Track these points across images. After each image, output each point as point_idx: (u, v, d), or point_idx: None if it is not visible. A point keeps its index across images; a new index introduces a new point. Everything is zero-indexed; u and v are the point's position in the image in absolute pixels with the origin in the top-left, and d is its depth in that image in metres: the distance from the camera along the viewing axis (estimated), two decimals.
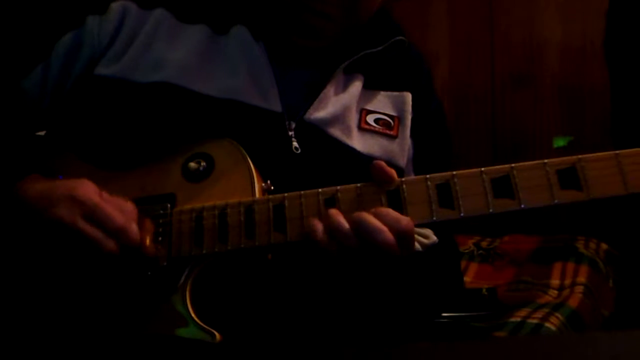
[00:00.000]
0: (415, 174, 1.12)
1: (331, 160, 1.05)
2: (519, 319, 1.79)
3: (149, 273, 0.93)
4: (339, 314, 1.05)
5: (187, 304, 0.90)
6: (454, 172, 0.89)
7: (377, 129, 1.10)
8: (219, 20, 1.08)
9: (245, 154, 0.96)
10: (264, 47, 1.06)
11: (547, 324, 1.75)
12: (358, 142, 1.08)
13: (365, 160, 1.06)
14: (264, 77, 1.05)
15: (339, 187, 0.90)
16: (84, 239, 0.89)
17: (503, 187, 0.87)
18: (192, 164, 0.97)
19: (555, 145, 2.84)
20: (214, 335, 0.89)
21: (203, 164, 0.97)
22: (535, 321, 1.77)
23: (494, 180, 0.87)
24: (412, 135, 1.14)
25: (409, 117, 1.12)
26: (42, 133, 1.13)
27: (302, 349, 0.97)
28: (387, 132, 1.10)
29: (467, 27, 3.04)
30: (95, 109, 1.04)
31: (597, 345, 0.70)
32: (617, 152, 0.85)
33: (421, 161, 1.14)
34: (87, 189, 0.91)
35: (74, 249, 0.91)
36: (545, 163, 0.87)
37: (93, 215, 0.89)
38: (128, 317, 0.92)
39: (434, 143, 1.17)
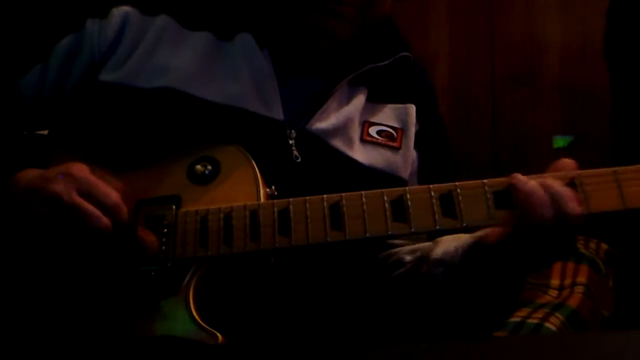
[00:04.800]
0: (419, 182, 1.14)
1: (332, 170, 1.06)
2: (519, 319, 1.79)
3: (152, 273, 0.94)
4: (340, 316, 1.05)
5: (190, 305, 0.91)
6: (457, 183, 0.90)
7: (379, 141, 1.10)
8: (224, 27, 1.08)
9: (252, 159, 0.97)
10: (269, 55, 1.06)
11: (547, 324, 1.76)
12: (360, 153, 1.08)
13: (367, 171, 1.07)
14: (267, 84, 1.05)
15: (343, 194, 0.91)
16: (80, 215, 0.90)
17: (504, 199, 0.89)
18: (198, 167, 0.98)
19: (555, 146, 2.84)
20: (216, 336, 0.89)
21: (209, 167, 0.97)
22: (535, 321, 1.77)
23: (496, 193, 0.89)
24: (417, 148, 1.14)
25: (412, 129, 1.13)
26: (44, 132, 1.14)
27: (303, 351, 0.98)
28: (390, 143, 1.11)
29: (467, 27, 3.04)
30: (99, 114, 1.05)
31: (597, 345, 0.70)
32: (615, 168, 0.88)
33: (426, 174, 1.15)
34: (82, 167, 0.93)
35: (70, 227, 0.92)
36: (544, 176, 0.89)
37: (90, 191, 0.91)
38: (130, 317, 0.92)
39: (439, 156, 1.18)
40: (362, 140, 1.09)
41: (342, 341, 1.04)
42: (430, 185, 0.90)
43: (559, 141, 2.84)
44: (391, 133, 1.11)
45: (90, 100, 1.06)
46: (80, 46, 1.06)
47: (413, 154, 1.13)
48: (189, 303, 0.91)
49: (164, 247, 0.94)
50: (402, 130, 1.12)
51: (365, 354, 0.75)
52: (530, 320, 1.78)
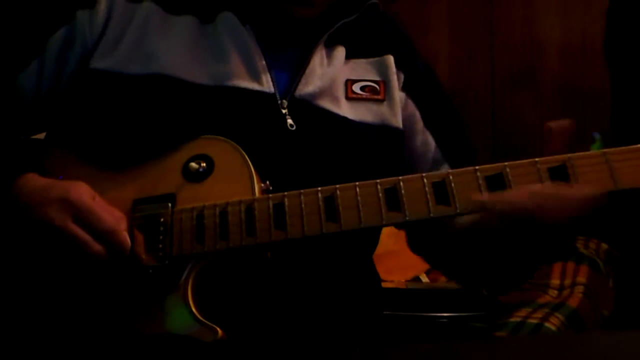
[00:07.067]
0: (432, 133, 1.18)
1: (325, 132, 1.07)
2: (519, 319, 1.79)
3: (151, 271, 0.94)
4: (338, 311, 1.05)
5: (188, 301, 0.91)
6: (449, 170, 0.91)
7: (364, 96, 1.13)
8: (205, 9, 1.10)
9: (245, 155, 0.97)
10: (252, 30, 1.07)
11: (547, 324, 1.75)
12: (348, 111, 1.10)
13: (358, 127, 1.10)
14: (254, 59, 1.07)
15: (338, 186, 0.92)
16: (72, 241, 0.91)
17: (497, 184, 0.89)
18: (193, 164, 0.98)
19: None
20: (216, 331, 0.89)
21: (203, 164, 0.98)
22: (535, 321, 1.77)
23: (488, 178, 0.90)
24: (411, 96, 1.16)
25: (394, 78, 1.15)
26: (41, 136, 1.14)
27: (301, 346, 0.97)
28: (374, 97, 1.13)
29: (467, 27, 3.04)
30: (92, 103, 1.06)
31: (597, 345, 0.70)
32: (605, 150, 0.88)
33: (432, 120, 1.18)
34: (81, 192, 0.94)
35: (63, 249, 0.93)
36: (536, 161, 0.89)
37: (84, 217, 0.92)
38: (129, 314, 0.93)
39: (437, 101, 1.21)
40: (348, 98, 1.12)
41: (340, 337, 1.04)
42: (423, 174, 0.91)
43: None
44: (374, 87, 1.14)
45: (84, 90, 1.07)
46: (73, 37, 1.08)
47: (398, 101, 1.14)
48: (188, 299, 0.91)
49: (161, 245, 0.94)
50: (384, 82, 1.15)
51: (365, 354, 0.74)
52: (530, 320, 1.77)
